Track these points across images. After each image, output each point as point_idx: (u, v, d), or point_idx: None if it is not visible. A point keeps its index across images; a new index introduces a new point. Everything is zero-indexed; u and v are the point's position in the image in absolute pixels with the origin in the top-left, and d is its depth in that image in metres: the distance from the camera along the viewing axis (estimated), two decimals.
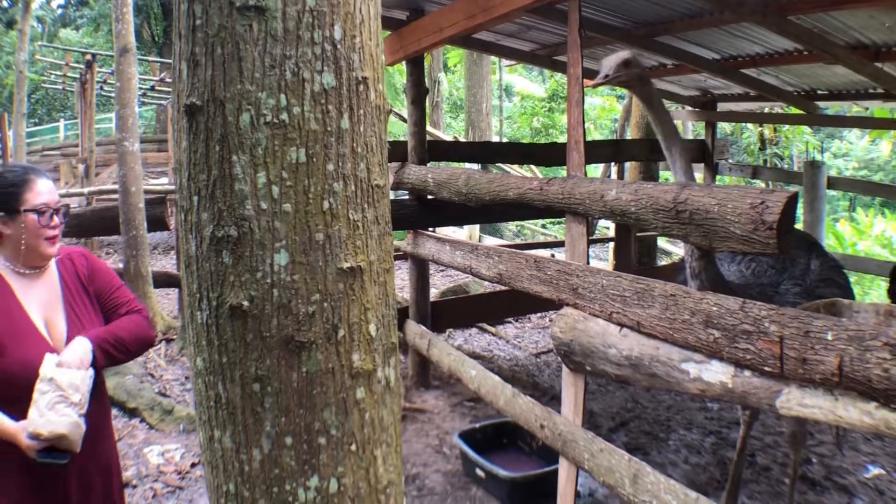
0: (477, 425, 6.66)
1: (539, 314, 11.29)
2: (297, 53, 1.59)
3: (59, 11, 49.92)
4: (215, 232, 1.61)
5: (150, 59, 31.22)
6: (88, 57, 22.26)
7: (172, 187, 13.64)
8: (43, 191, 3.18)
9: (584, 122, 4.96)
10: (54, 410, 3.00)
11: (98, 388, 3.31)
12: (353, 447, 1.68)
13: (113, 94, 28.57)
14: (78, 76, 25.65)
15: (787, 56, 7.67)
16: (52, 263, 3.36)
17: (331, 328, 1.63)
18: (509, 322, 11.24)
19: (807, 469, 6.26)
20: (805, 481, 6.05)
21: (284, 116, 1.58)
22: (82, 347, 3.17)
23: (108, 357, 3.27)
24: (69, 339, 3.22)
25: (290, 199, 1.59)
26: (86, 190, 15.37)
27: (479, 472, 5.97)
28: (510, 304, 10.02)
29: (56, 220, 3.21)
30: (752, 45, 7.63)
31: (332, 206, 1.62)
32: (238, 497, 1.69)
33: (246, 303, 1.60)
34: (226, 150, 1.59)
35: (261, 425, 1.64)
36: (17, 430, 3.02)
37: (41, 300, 3.27)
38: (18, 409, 3.06)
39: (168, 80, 26.91)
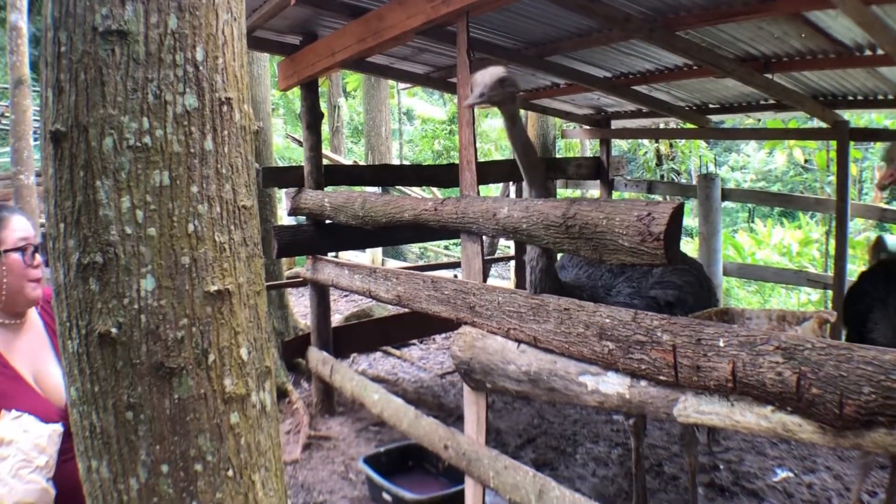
0: (382, 449, 6.63)
1: (443, 335, 11.31)
2: (159, 76, 1.58)
3: None
4: (81, 259, 1.57)
5: None
6: None
7: None
8: (19, 227, 2.94)
9: (475, 142, 5.00)
10: (18, 478, 2.73)
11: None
12: (230, 473, 1.65)
13: (9, 128, 27.91)
14: None
15: (677, 71, 7.82)
16: (33, 311, 3.10)
17: (201, 353, 1.61)
18: (414, 344, 11.22)
19: (714, 475, 6.36)
20: (713, 488, 6.14)
21: (147, 140, 1.56)
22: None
23: None
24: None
25: (154, 222, 1.56)
26: None
27: (386, 497, 5.95)
28: (414, 326, 10.03)
29: (38, 258, 2.97)
30: (642, 62, 7.78)
31: (198, 229, 1.59)
32: None
33: (114, 330, 1.56)
34: (90, 176, 1.56)
35: (136, 454, 1.61)
36: None
37: (28, 352, 3.01)
38: None
39: None
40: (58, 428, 2.91)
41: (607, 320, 3.59)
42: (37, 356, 3.04)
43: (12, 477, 2.74)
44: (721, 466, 6.59)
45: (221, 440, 1.63)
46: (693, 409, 3.25)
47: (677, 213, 3.30)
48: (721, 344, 3.03)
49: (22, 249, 2.90)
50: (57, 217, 1.61)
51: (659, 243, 3.28)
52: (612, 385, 3.66)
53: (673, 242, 3.31)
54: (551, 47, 7.39)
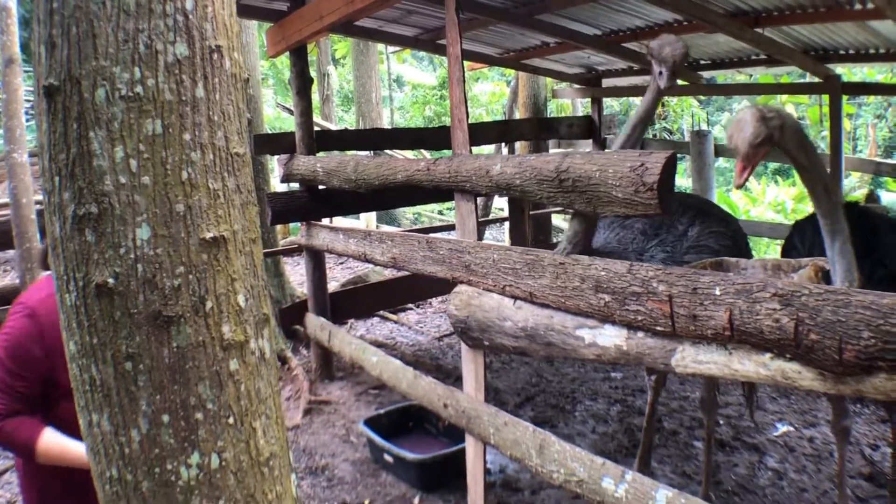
0: (382, 411, 6.68)
1: (440, 299, 11.31)
2: (149, 26, 1.57)
3: None
4: (77, 210, 1.57)
5: None
6: None
7: None
8: None
9: (466, 100, 4.99)
10: None
11: None
12: (231, 420, 1.66)
13: (0, 108, 27.75)
14: None
15: (667, 27, 7.78)
16: None
17: (198, 300, 1.60)
18: (411, 308, 11.24)
19: (715, 431, 6.40)
20: (714, 443, 6.18)
21: (139, 89, 1.55)
22: None
23: None
24: None
25: (148, 171, 1.55)
26: None
27: (388, 458, 5.99)
28: (410, 290, 10.06)
29: None
30: (632, 19, 7.75)
31: (191, 176, 1.59)
32: (121, 481, 1.65)
33: (111, 280, 1.56)
34: (83, 128, 1.56)
35: (136, 405, 1.60)
36: None
37: None
38: None
39: None
40: None
41: (602, 273, 3.60)
42: None
43: None
44: (721, 422, 6.63)
45: (221, 388, 1.64)
46: (691, 358, 3.26)
47: (670, 163, 3.31)
48: (717, 292, 3.04)
49: None
50: (51, 171, 1.60)
51: (653, 193, 3.29)
52: (610, 337, 3.68)
53: (667, 192, 3.32)
54: (540, 5, 7.36)
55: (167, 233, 1.57)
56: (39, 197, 11.62)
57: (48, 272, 3.10)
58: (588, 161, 3.66)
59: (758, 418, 6.71)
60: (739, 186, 3.26)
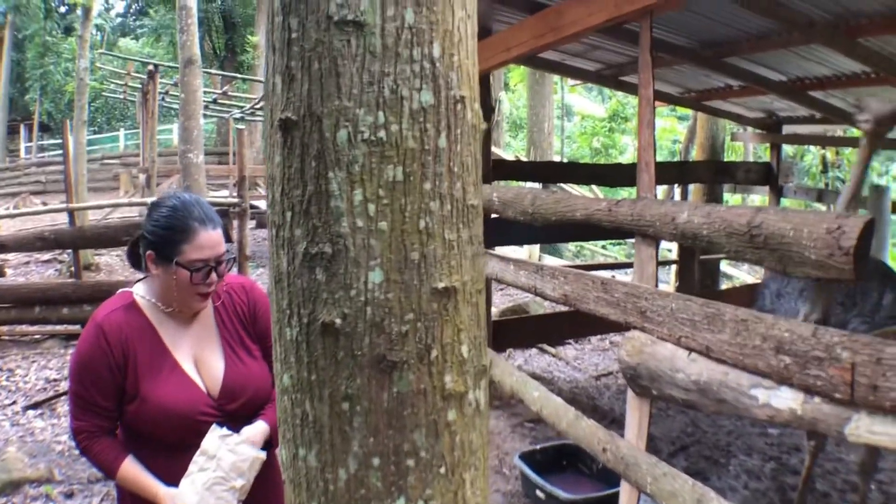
0: (538, 447, 6.65)
1: (599, 336, 11.23)
2: (395, 70, 1.56)
3: (119, 20, 51.04)
4: (309, 248, 1.57)
5: (212, 71, 31.55)
6: (151, 67, 22.58)
7: (234, 200, 13.73)
8: (205, 245, 2.93)
9: (654, 144, 4.93)
10: (211, 492, 2.85)
11: (266, 471, 3.11)
12: (443, 470, 1.64)
13: (174, 106, 29.17)
14: (139, 86, 26.14)
15: (854, 79, 7.65)
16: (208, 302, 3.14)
17: (423, 348, 1.59)
18: (569, 343, 11.17)
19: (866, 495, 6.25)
20: None
21: (382, 134, 1.55)
22: (258, 430, 3.05)
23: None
24: (227, 379, 3.05)
25: (386, 217, 1.55)
26: (149, 200, 15.50)
27: (539, 494, 5.97)
28: (571, 325, 9.95)
29: (213, 276, 2.98)
30: (819, 67, 7.64)
31: (429, 226, 1.58)
32: None
33: (338, 320, 1.56)
34: (322, 167, 1.56)
35: (348, 445, 1.60)
36: (164, 496, 2.90)
37: (192, 339, 3.09)
38: (165, 456, 2.98)
39: (230, 93, 27.18)
40: (262, 456, 3.01)
41: (786, 334, 3.50)
42: (201, 344, 3.09)
43: (205, 489, 2.85)
44: (872, 486, 6.41)
45: (437, 437, 1.62)
46: (865, 428, 3.15)
47: (867, 229, 3.22)
48: None
49: (195, 269, 2.92)
50: (283, 205, 1.61)
51: (848, 258, 3.21)
52: (785, 400, 3.58)
53: (861, 258, 3.23)
54: (728, 48, 7.29)
55: (400, 279, 1.56)
56: (209, 199, 11.97)
57: (122, 290, 3.15)
58: (782, 218, 3.58)
59: None
60: None
